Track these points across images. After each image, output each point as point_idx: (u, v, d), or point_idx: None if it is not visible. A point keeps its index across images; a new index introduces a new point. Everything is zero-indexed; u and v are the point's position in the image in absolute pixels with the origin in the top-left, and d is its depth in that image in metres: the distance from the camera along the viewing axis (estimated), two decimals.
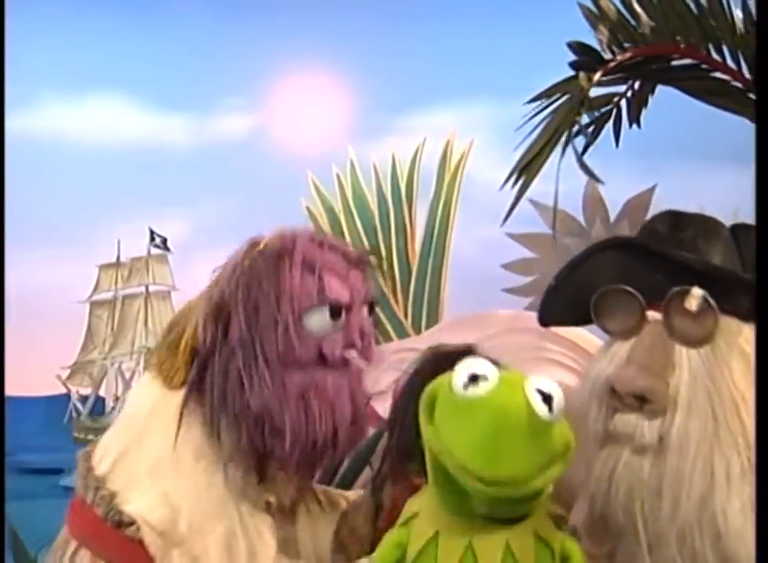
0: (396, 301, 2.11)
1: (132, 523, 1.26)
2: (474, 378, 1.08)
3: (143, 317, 5.52)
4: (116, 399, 5.26)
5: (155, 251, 5.39)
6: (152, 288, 5.51)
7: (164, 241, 5.31)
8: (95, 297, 5.42)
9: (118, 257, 5.34)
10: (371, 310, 1.33)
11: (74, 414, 5.25)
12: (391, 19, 5.08)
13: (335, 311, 1.28)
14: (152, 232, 5.28)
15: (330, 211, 2.20)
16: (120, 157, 4.88)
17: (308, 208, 2.22)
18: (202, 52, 4.98)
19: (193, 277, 5.23)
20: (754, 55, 1.56)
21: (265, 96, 5.17)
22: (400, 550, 1.16)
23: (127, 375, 5.25)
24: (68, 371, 5.37)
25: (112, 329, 5.47)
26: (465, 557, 1.12)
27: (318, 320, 1.28)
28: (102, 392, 5.43)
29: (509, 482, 1.08)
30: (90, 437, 5.15)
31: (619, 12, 1.63)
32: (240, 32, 4.97)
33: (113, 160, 4.88)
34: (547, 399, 1.07)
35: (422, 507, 1.16)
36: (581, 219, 1.98)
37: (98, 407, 5.32)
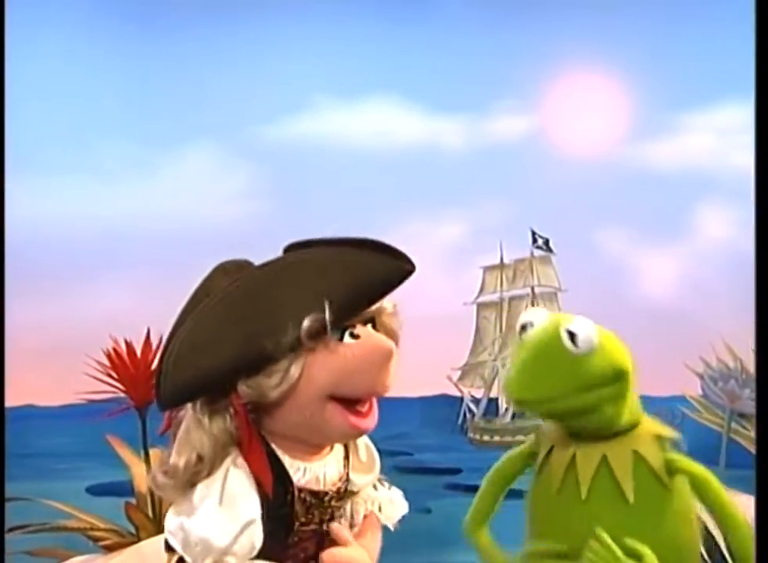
0: None
1: None
2: (524, 327, 1.41)
3: None
4: None
5: (537, 252, 5.40)
6: (537, 290, 5.53)
7: (546, 242, 5.30)
8: (482, 298, 5.53)
9: (501, 259, 5.43)
10: None
11: (468, 416, 5.37)
12: (665, 17, 4.74)
13: None
14: (533, 234, 5.31)
15: None
16: (396, 160, 4.95)
17: None
18: (476, 54, 4.94)
19: (470, 279, 5.23)
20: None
21: (541, 97, 5.03)
22: (522, 466, 1.49)
23: None
24: (459, 373, 5.51)
25: (500, 331, 5.55)
26: (569, 466, 1.40)
27: None
28: (493, 394, 5.51)
29: (538, 402, 1.38)
30: (485, 438, 5.28)
31: None
32: (514, 34, 4.88)
33: (389, 163, 4.93)
34: (572, 335, 1.36)
35: (548, 428, 1.47)
36: None
37: (491, 409, 5.39)
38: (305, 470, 1.55)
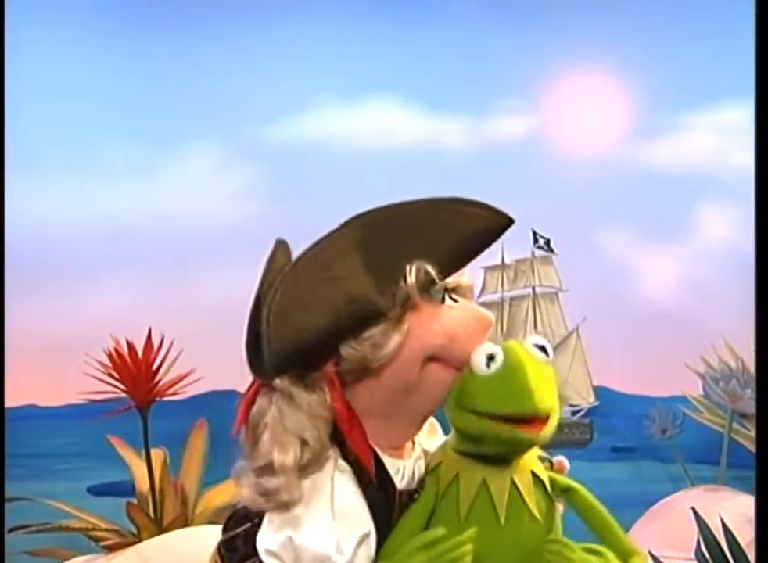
0: None
1: None
2: (491, 357, 1.38)
3: (532, 318, 5.56)
4: None
5: (539, 252, 5.40)
6: (538, 290, 5.54)
7: (547, 242, 5.30)
8: (483, 298, 5.54)
9: (502, 259, 5.43)
10: None
11: None
12: (666, 17, 4.75)
13: None
14: (534, 234, 5.32)
15: None
16: (397, 160, 4.95)
17: None
18: (477, 54, 4.94)
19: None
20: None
21: (542, 97, 5.04)
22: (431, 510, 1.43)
23: None
24: None
25: (502, 331, 5.56)
26: (480, 492, 1.40)
27: None
28: None
29: (553, 414, 1.37)
30: None
31: None
32: (515, 34, 4.88)
33: (391, 163, 4.94)
34: (542, 348, 1.40)
35: (445, 456, 1.44)
36: None
37: None
38: (403, 470, 1.45)
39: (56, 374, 4.64)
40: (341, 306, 1.35)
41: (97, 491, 4.68)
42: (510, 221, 1.49)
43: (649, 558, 2.67)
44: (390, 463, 1.43)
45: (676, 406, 4.58)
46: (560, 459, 1.51)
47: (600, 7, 4.89)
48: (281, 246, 1.46)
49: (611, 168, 5.00)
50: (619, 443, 4.89)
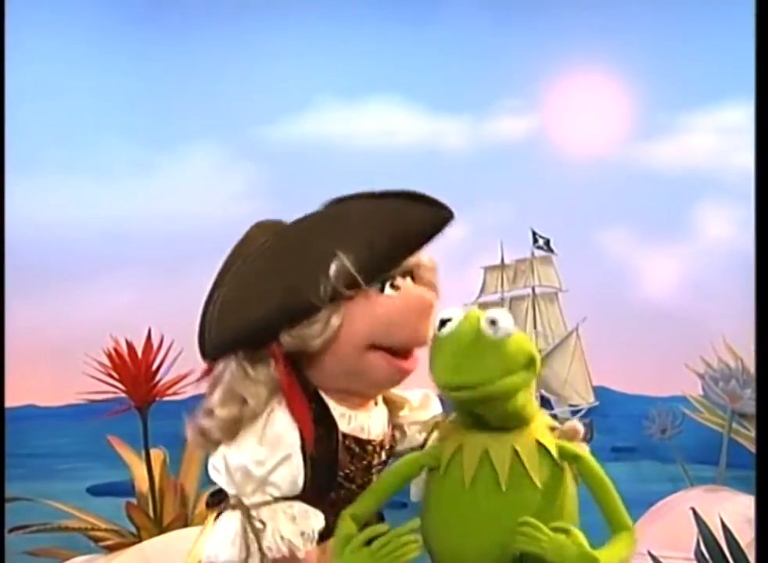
0: None
1: None
2: (443, 322, 1.47)
3: (531, 318, 5.55)
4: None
5: (538, 252, 5.40)
6: (538, 290, 5.53)
7: (547, 242, 5.30)
8: (482, 298, 5.54)
9: (502, 259, 5.42)
10: None
11: None
12: (667, 17, 4.75)
13: None
14: (534, 234, 5.31)
15: None
16: (398, 160, 4.95)
17: None
18: (478, 54, 4.94)
19: (470, 280, 5.22)
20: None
21: (542, 97, 5.03)
22: (418, 468, 1.56)
23: None
24: None
25: None
26: (483, 461, 1.48)
27: None
28: None
29: (467, 387, 1.43)
30: None
31: None
32: (515, 34, 4.88)
33: (391, 163, 4.93)
34: (493, 322, 1.44)
35: (448, 430, 1.56)
36: None
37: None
38: (350, 417, 1.59)
39: (56, 374, 4.64)
40: (282, 298, 1.50)
41: (96, 491, 4.68)
42: (450, 216, 1.55)
43: (648, 558, 2.69)
44: (335, 407, 1.58)
45: (675, 406, 4.58)
46: (571, 425, 1.56)
47: (600, 7, 4.88)
48: (253, 231, 1.57)
49: (611, 168, 4.99)
50: (619, 443, 4.89)
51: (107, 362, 3.49)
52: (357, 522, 1.55)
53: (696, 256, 4.91)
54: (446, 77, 4.97)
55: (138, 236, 4.88)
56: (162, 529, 3.47)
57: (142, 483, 3.59)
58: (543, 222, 5.03)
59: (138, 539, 3.46)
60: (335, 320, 1.50)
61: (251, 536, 1.51)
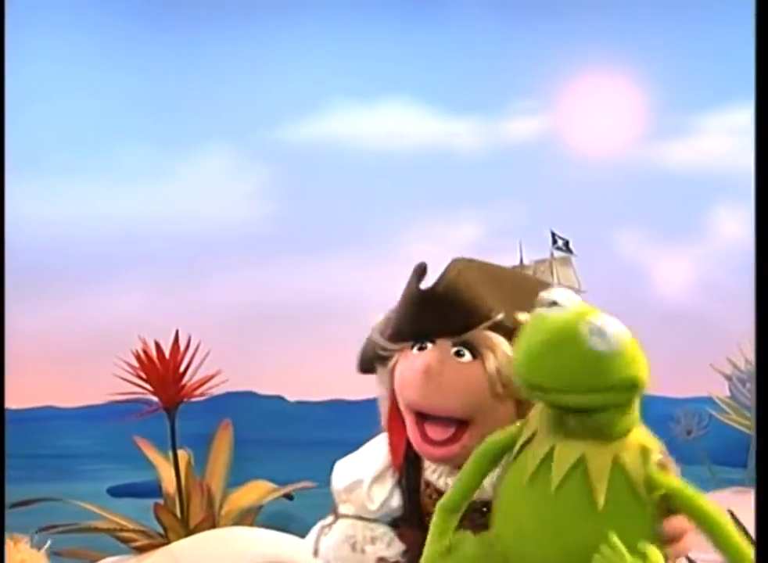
0: None
1: None
2: (553, 303, 1.27)
3: None
4: None
5: (558, 253, 5.37)
6: None
7: (566, 243, 5.27)
8: None
9: (521, 260, 5.41)
10: None
11: None
12: (680, 18, 4.73)
13: None
14: (553, 235, 5.28)
15: None
16: (411, 161, 4.95)
17: None
18: (490, 55, 4.93)
19: None
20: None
21: (555, 98, 5.02)
22: (500, 452, 1.38)
23: None
24: None
25: None
26: (546, 458, 1.32)
27: None
28: None
29: (547, 390, 1.28)
30: None
31: None
32: (528, 35, 4.87)
33: (404, 165, 4.94)
34: (600, 333, 1.23)
35: (536, 413, 1.37)
36: None
37: None
38: (440, 471, 1.55)
39: (76, 375, 4.64)
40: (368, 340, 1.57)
41: (116, 492, 4.69)
42: (420, 276, 1.54)
43: (684, 560, 2.63)
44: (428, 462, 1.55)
45: (701, 407, 4.55)
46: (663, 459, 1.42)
47: (613, 7, 4.87)
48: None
49: (626, 169, 4.98)
50: None
51: (134, 362, 3.49)
52: (448, 512, 1.41)
53: (719, 256, 4.89)
54: (459, 78, 4.96)
55: (152, 238, 4.89)
56: (189, 530, 3.47)
57: (169, 484, 3.59)
58: (559, 222, 5.02)
59: (166, 540, 3.46)
60: (390, 371, 1.55)
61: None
